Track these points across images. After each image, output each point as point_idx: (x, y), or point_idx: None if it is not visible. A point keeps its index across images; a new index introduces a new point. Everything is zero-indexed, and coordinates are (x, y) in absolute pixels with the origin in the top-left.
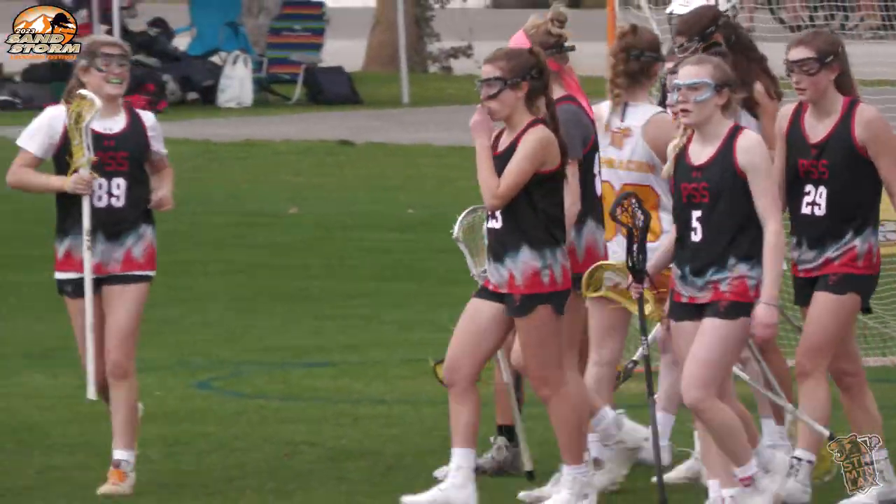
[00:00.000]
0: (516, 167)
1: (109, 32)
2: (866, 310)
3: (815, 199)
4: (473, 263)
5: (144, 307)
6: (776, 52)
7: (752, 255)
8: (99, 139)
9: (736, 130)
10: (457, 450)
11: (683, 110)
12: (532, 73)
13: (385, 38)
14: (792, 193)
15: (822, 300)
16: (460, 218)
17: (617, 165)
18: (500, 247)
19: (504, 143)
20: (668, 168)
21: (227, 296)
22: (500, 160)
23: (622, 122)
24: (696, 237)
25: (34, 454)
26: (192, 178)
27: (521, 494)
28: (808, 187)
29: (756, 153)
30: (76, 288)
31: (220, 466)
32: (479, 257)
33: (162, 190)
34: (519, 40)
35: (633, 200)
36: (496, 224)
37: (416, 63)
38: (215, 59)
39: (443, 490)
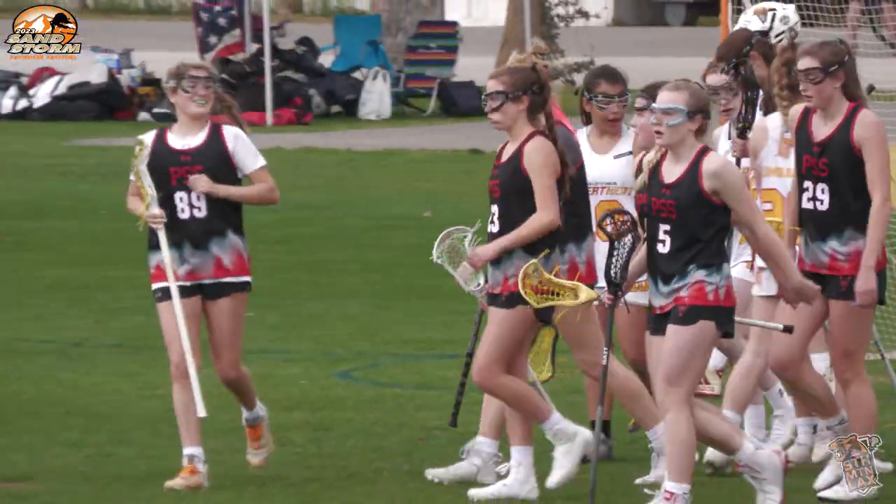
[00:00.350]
0: (541, 184)
1: (261, 51)
2: (880, 301)
3: (817, 195)
4: (465, 282)
5: (290, 304)
6: (879, 68)
7: (712, 262)
8: (177, 156)
9: (703, 153)
10: (516, 447)
11: (657, 132)
12: (533, 89)
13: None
14: (798, 188)
15: (840, 310)
16: (437, 243)
17: (785, 174)
18: None
19: (507, 152)
20: (639, 182)
21: (366, 292)
22: (503, 168)
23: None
24: (664, 249)
25: None
26: (335, 184)
27: (638, 480)
28: (808, 183)
29: (724, 177)
30: (165, 294)
31: (359, 450)
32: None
33: (202, 178)
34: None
35: (626, 217)
36: (494, 229)
37: None
38: (357, 74)
39: (507, 485)
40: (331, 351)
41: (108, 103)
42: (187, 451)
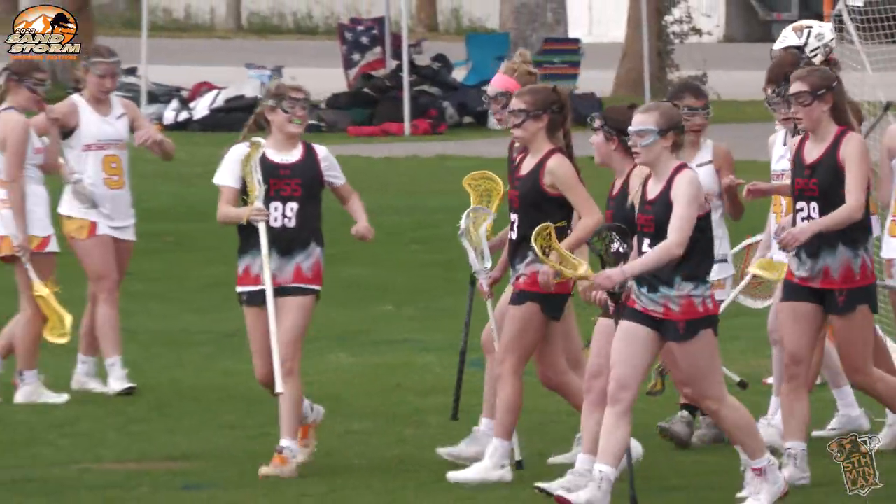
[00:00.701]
0: (577, 197)
1: (399, 67)
2: (873, 310)
3: (810, 214)
4: (476, 261)
5: (426, 298)
6: None
7: (697, 275)
8: (276, 168)
9: (678, 169)
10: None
11: (635, 153)
12: (553, 108)
13: (631, 69)
14: (794, 210)
15: (840, 324)
16: (465, 215)
17: None
18: (512, 255)
19: (527, 166)
20: (633, 197)
21: (498, 288)
22: (524, 181)
23: None
24: None
25: (337, 420)
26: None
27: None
28: (801, 204)
29: (681, 187)
30: (249, 298)
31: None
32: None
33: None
34: (504, 81)
35: (613, 233)
36: (514, 236)
37: (657, 90)
38: (487, 87)
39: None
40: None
41: None
42: (283, 442)
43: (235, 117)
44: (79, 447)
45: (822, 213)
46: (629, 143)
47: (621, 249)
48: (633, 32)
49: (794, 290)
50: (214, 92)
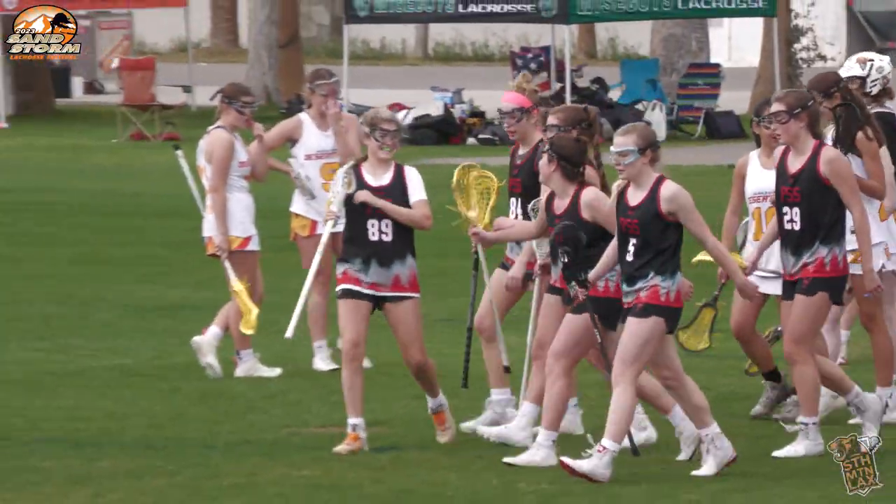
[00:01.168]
0: (606, 213)
1: (563, 90)
2: (836, 302)
3: (793, 218)
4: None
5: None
6: None
7: (666, 270)
8: (371, 190)
9: (660, 181)
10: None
11: (619, 170)
12: (582, 125)
13: (765, 90)
14: (778, 213)
15: (797, 300)
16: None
17: None
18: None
19: None
20: (610, 203)
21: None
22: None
23: None
24: (630, 258)
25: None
26: None
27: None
28: (786, 209)
29: (679, 200)
30: (342, 294)
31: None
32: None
33: (363, 192)
34: (517, 98)
35: (563, 229)
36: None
37: None
38: (639, 106)
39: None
40: None
41: (445, 131)
42: (351, 421)
43: (422, 133)
44: (289, 414)
45: (804, 217)
46: (613, 161)
47: (570, 242)
48: (766, 59)
49: (790, 288)
50: (405, 111)
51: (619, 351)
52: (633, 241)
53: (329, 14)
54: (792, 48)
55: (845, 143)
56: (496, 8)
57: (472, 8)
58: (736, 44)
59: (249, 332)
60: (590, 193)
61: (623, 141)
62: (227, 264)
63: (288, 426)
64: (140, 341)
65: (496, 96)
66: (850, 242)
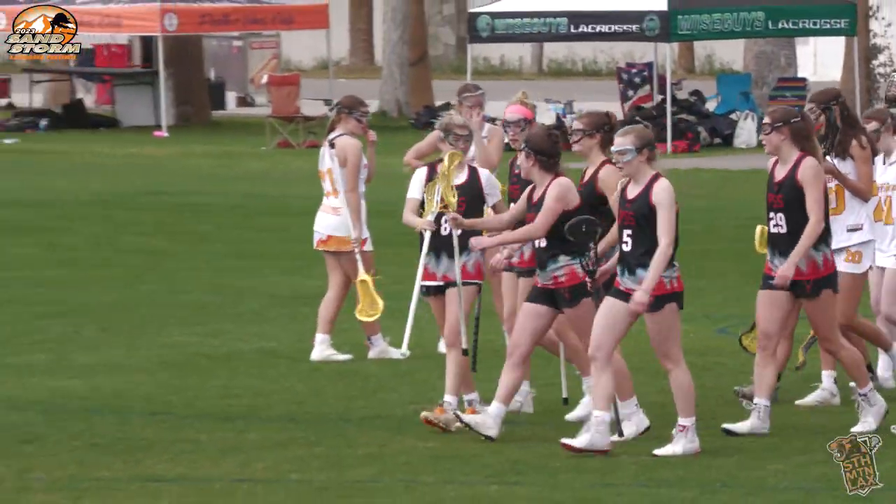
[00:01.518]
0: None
1: (664, 101)
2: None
3: (778, 223)
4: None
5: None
6: None
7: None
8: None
9: (655, 178)
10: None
11: (619, 168)
12: (605, 128)
13: (846, 102)
14: (766, 218)
15: (809, 306)
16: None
17: None
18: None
19: (586, 175)
20: (615, 197)
21: (734, 272)
22: (585, 188)
23: None
24: (627, 248)
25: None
26: (715, 194)
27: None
28: (772, 214)
29: (661, 195)
30: (426, 290)
31: (726, 385)
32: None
33: (456, 220)
34: (521, 110)
35: (579, 222)
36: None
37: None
38: (733, 116)
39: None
40: (710, 313)
41: None
42: (468, 397)
43: None
44: (415, 392)
45: (787, 221)
46: (613, 159)
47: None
48: (848, 73)
49: (770, 281)
50: None
51: (656, 348)
52: (628, 231)
53: (454, 34)
54: (870, 64)
55: (836, 146)
56: (604, 28)
57: (583, 28)
58: (821, 60)
59: (370, 319)
60: (562, 181)
61: (622, 141)
62: (360, 258)
63: (415, 402)
64: (284, 327)
65: (603, 108)
66: (847, 241)
